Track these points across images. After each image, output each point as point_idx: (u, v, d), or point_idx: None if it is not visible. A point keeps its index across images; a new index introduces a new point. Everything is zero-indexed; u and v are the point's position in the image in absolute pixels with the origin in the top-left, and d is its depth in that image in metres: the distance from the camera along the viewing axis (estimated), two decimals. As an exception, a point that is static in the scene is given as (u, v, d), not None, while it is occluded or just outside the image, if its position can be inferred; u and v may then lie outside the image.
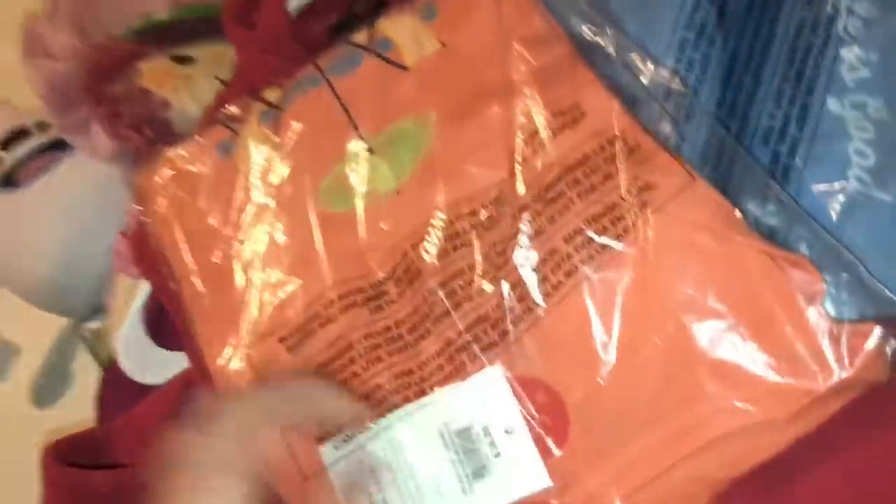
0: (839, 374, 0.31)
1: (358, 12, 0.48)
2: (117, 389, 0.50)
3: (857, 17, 0.37)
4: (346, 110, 0.40)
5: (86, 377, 0.60)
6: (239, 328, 0.40)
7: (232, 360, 0.40)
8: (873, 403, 0.32)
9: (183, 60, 0.62)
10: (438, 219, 0.37)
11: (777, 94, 0.38)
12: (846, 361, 0.31)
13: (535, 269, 0.34)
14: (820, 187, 0.36)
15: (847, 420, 0.31)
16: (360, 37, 0.42)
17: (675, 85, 0.38)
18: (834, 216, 0.36)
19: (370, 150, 0.40)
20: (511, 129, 0.37)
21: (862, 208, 0.36)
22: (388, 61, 0.40)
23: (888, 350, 0.31)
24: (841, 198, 0.36)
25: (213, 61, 0.61)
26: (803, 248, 0.35)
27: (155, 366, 0.47)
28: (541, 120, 0.36)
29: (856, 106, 0.37)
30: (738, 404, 0.32)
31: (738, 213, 0.34)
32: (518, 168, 0.36)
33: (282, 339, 0.40)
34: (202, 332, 0.41)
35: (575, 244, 0.34)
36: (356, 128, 0.40)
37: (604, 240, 0.34)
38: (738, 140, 0.38)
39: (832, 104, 0.37)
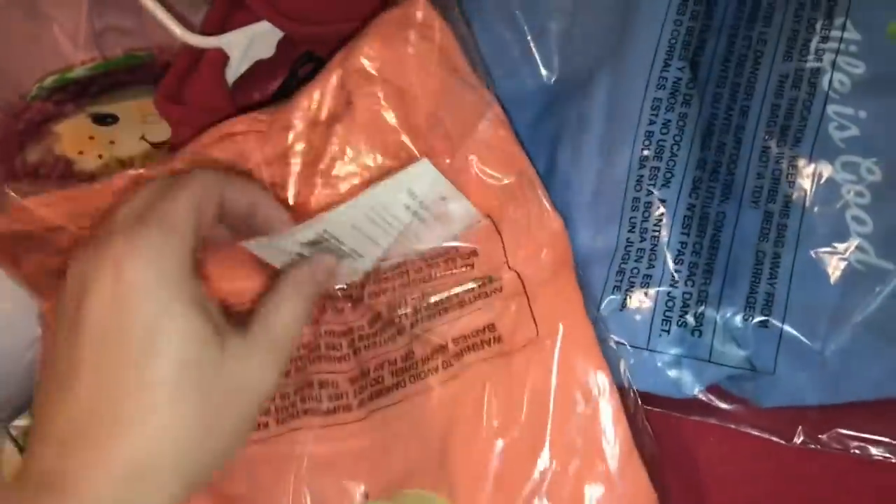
0: None
1: (300, 75, 0.44)
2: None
3: (843, 72, 0.35)
4: None
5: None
6: None
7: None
8: None
9: (104, 120, 0.56)
10: None
11: (762, 153, 0.35)
12: None
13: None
14: (819, 251, 0.34)
15: None
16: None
17: (648, 150, 0.35)
18: (831, 281, 0.34)
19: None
20: None
21: (862, 277, 0.33)
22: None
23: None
24: (841, 264, 0.34)
25: (138, 118, 0.56)
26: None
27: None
28: None
29: (848, 167, 0.34)
30: None
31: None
32: None
33: None
34: None
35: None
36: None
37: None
38: (723, 203, 0.35)
39: (823, 167, 0.34)
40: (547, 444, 0.33)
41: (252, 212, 0.33)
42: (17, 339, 0.50)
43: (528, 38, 0.39)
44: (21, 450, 0.55)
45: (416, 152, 0.34)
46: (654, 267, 0.34)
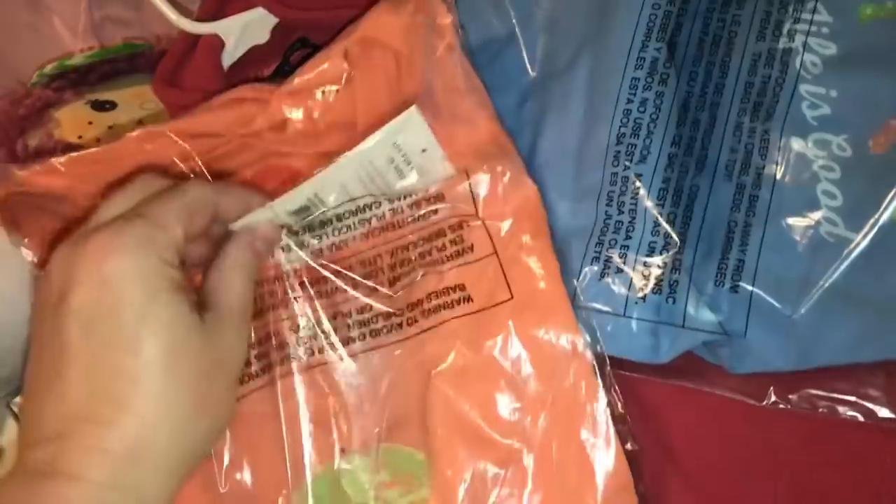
0: None
1: (293, 61, 0.45)
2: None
3: (815, 53, 0.36)
4: None
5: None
6: None
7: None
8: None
9: (103, 106, 0.58)
10: None
11: (735, 128, 0.37)
12: None
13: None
14: (789, 221, 0.35)
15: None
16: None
17: (625, 128, 0.37)
18: (799, 250, 0.35)
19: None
20: None
21: (829, 247, 0.35)
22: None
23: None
24: (810, 233, 0.35)
25: (136, 105, 0.57)
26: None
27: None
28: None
29: (819, 144, 0.35)
30: None
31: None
32: None
33: None
34: None
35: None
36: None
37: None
38: (697, 177, 0.37)
39: (795, 142, 0.36)
40: (520, 403, 0.34)
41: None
42: (17, 316, 0.51)
43: (514, 21, 0.40)
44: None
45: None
46: (631, 238, 0.36)
